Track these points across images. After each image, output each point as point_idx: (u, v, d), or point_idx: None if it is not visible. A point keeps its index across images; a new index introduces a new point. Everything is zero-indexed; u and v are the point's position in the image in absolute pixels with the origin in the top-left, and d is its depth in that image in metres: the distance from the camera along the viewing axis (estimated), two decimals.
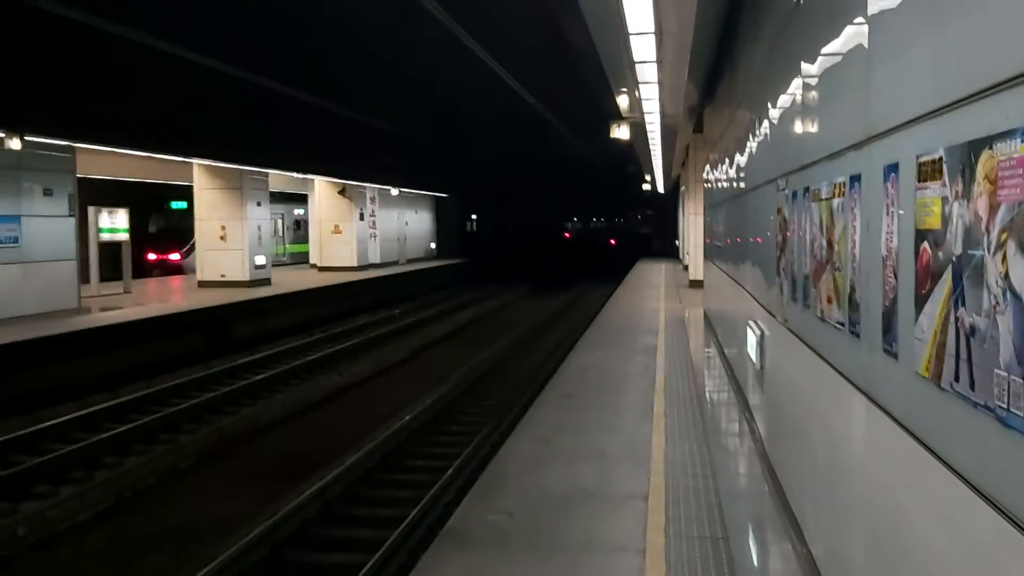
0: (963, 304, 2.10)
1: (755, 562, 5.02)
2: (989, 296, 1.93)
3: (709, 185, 15.30)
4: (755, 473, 6.51)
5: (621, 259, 45.45)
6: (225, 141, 19.57)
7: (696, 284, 21.74)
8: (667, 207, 52.53)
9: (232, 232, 22.82)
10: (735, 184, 9.56)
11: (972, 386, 2.04)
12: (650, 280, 28.61)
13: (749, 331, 7.20)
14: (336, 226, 30.32)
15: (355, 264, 30.06)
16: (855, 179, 3.33)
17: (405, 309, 25.19)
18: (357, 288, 26.30)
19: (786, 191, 5.23)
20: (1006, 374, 1.83)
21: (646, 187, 42.42)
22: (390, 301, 26.91)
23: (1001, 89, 1.91)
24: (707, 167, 15.93)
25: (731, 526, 5.28)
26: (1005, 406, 1.84)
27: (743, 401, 8.33)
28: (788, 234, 5.15)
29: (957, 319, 2.14)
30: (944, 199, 2.25)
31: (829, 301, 3.83)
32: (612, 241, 64.77)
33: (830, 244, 3.83)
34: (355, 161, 27.66)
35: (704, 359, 12.04)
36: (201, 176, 22.87)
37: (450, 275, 37.34)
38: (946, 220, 2.23)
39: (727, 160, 10.61)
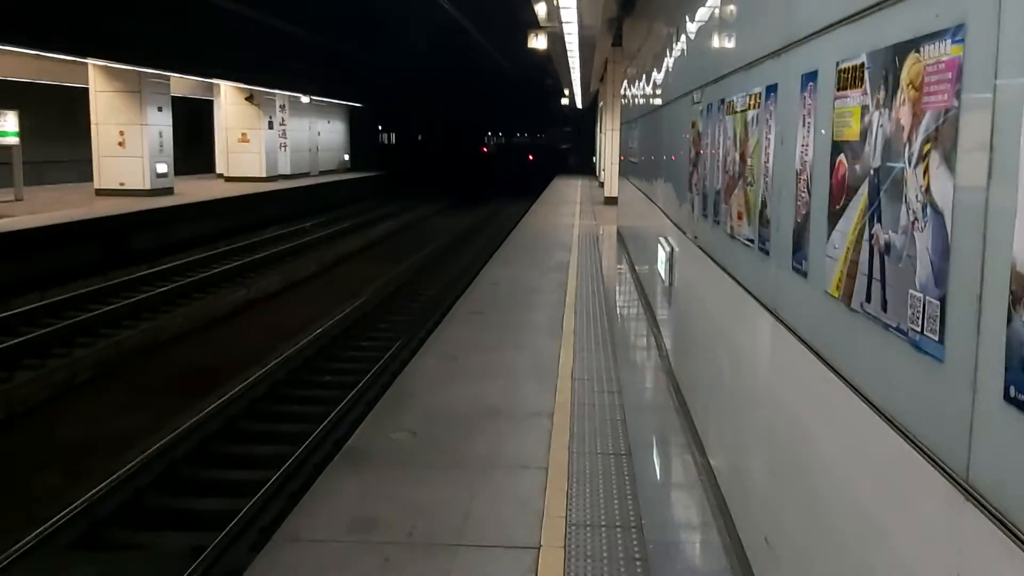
0: (879, 220, 1.98)
1: (657, 476, 5.03)
2: (908, 212, 1.80)
3: (626, 100, 15.13)
4: (660, 389, 6.53)
5: (539, 175, 45.20)
6: (121, 40, 18.35)
7: (611, 201, 21.76)
8: (585, 123, 52.25)
9: (131, 138, 21.65)
10: (651, 99, 9.40)
11: (884, 307, 1.94)
12: (566, 196, 28.54)
13: (660, 248, 7.15)
14: (243, 134, 29.11)
15: (263, 175, 29.03)
16: (771, 89, 3.18)
17: (317, 223, 24.55)
18: (266, 199, 25.46)
19: (700, 104, 5.09)
20: (921, 295, 1.73)
21: (564, 102, 42.03)
22: (301, 214, 26.18)
23: None
24: (625, 82, 15.72)
25: (634, 441, 5.27)
26: (919, 329, 1.73)
27: (651, 318, 8.34)
28: (701, 149, 5.02)
29: (872, 236, 2.03)
30: (864, 108, 2.11)
31: (740, 217, 3.73)
32: (530, 156, 64.31)
33: (743, 158, 3.70)
34: (264, 66, 26.45)
35: (616, 276, 12.05)
36: (97, 78, 21.52)
37: (364, 188, 36.50)
38: (865, 131, 2.10)
39: (644, 74, 10.42)
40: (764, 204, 3.25)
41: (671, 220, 6.78)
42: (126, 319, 12.12)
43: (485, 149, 67.24)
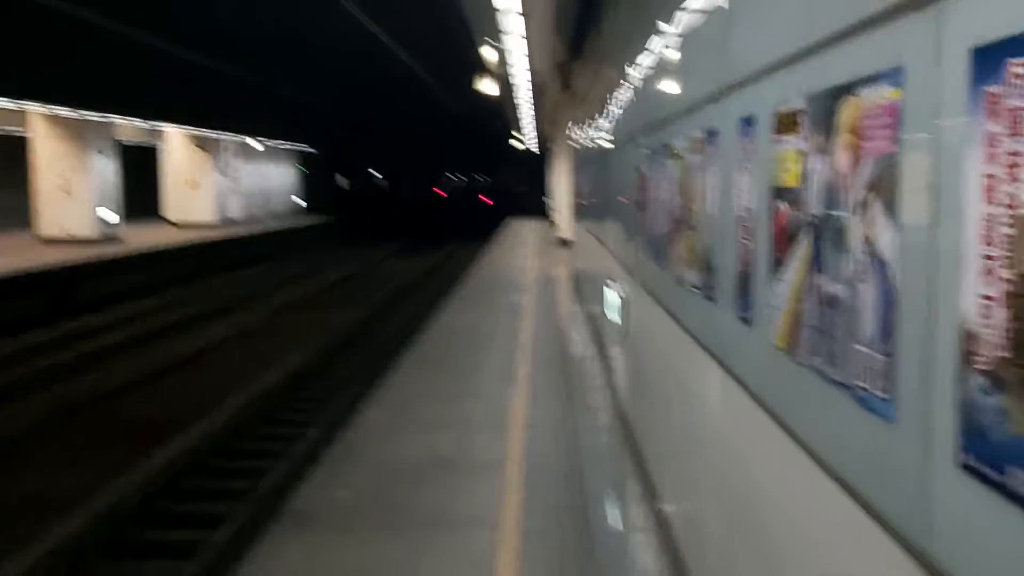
0: (822, 271, 1.90)
1: (613, 528, 4.89)
2: (851, 263, 1.72)
3: (577, 144, 15.20)
4: (615, 436, 6.41)
5: (494, 217, 45.26)
6: (63, 85, 18.07)
7: (565, 243, 21.78)
8: (539, 166, 52.56)
9: (77, 186, 21.21)
10: (600, 143, 9.41)
11: (831, 362, 1.84)
12: (521, 238, 28.57)
13: (611, 292, 7.08)
14: (193, 180, 28.75)
15: (214, 221, 28.64)
16: (711, 134, 3.12)
17: (268, 268, 24.22)
18: (216, 246, 25.09)
19: (645, 148, 5.04)
20: (867, 350, 1.63)
21: (518, 145, 42.32)
22: (252, 260, 25.83)
23: (869, 28, 1.69)
24: (576, 126, 15.81)
25: (590, 492, 5.14)
26: (865, 386, 1.64)
27: (605, 362, 8.25)
28: (646, 193, 4.97)
29: (815, 287, 1.94)
30: (802, 154, 2.04)
31: (685, 263, 3.65)
32: (485, 198, 64.44)
33: (686, 204, 3.64)
34: (213, 111, 26.22)
35: (571, 319, 11.98)
36: (39, 124, 21.11)
37: (317, 233, 36.23)
38: (805, 177, 2.02)
39: (593, 118, 10.45)
40: (708, 250, 3.18)
41: (621, 264, 6.72)
42: (69, 372, 11.75)
43: (440, 191, 67.28)
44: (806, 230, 2.00)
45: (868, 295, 1.64)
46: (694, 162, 3.45)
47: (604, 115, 8.66)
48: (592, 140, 10.83)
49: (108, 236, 21.65)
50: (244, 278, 22.17)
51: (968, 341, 1.24)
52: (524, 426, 6.48)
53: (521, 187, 61.88)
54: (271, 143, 34.60)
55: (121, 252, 19.94)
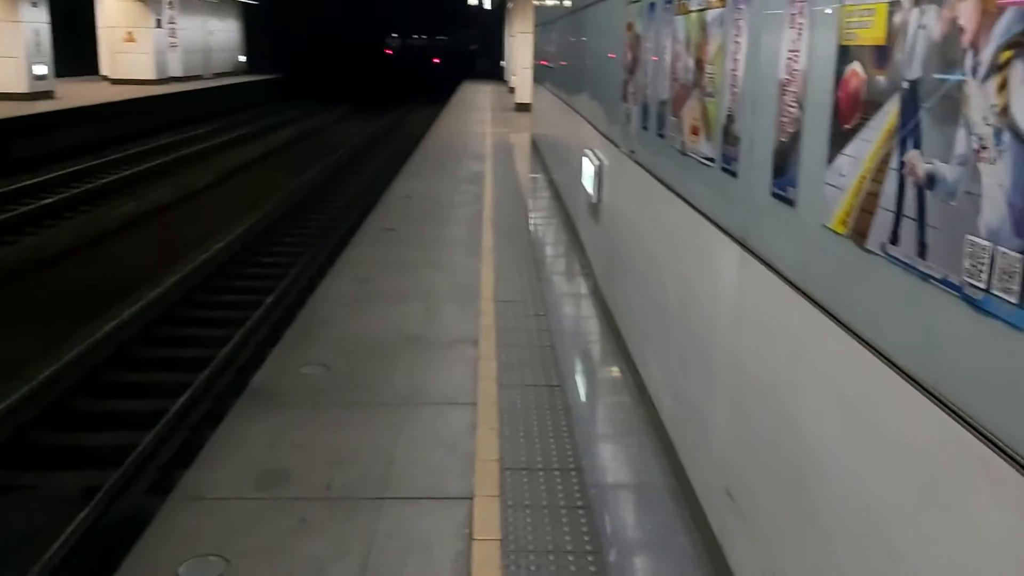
0: (917, 145, 1.61)
1: (592, 410, 4.73)
2: (970, 137, 1.43)
3: (541, 0, 14.44)
4: (588, 312, 6.23)
5: (446, 79, 43.85)
6: None
7: (522, 108, 21.14)
8: (494, 25, 50.67)
9: (4, 37, 19.76)
10: None
11: (922, 253, 1.58)
12: (476, 103, 27.70)
13: (586, 161, 6.73)
14: (129, 33, 27.07)
15: (153, 77, 27.17)
16: None
17: (212, 128, 23.18)
18: (157, 104, 23.86)
19: (640, 3, 4.62)
20: (990, 244, 1.37)
21: (472, 1, 40.62)
22: (195, 119, 24.69)
23: None
24: None
25: (565, 371, 4.96)
26: (983, 286, 1.38)
27: (574, 234, 7.99)
28: (640, 54, 4.58)
29: (903, 164, 1.66)
30: (894, 5, 1.71)
31: (695, 132, 3.34)
32: (436, 60, 62.30)
33: (700, 65, 3.29)
34: None
35: (532, 188, 11.62)
36: None
37: (262, 91, 34.72)
38: (895, 33, 1.70)
39: None
40: (731, 119, 2.86)
41: (600, 131, 6.36)
42: (7, 235, 11.15)
43: (389, 51, 64.84)
44: (894, 97, 1.70)
45: (994, 178, 1.36)
46: (714, 18, 3.08)
47: None
48: None
49: (41, 91, 20.38)
50: (186, 138, 21.19)
51: None
52: (492, 300, 6.25)
53: (475, 46, 59.83)
54: None
55: (54, 108, 18.81)
